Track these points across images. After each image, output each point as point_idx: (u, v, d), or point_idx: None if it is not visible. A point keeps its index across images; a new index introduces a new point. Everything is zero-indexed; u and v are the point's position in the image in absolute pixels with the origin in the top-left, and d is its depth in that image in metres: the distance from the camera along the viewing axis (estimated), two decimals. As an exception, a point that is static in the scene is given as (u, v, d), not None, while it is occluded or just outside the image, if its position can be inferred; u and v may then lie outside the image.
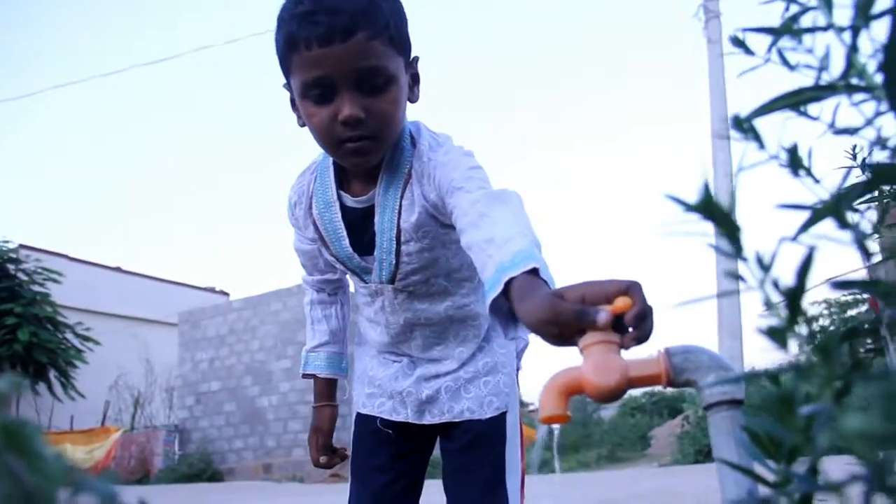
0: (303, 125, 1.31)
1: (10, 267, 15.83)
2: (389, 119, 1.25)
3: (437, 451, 1.57)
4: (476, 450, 1.46)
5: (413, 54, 1.33)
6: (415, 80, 1.35)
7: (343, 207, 1.41)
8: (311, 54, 1.18)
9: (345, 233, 1.41)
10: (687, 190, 0.43)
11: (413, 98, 1.34)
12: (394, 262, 1.38)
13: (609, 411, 15.60)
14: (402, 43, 1.26)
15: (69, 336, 16.14)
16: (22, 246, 16.63)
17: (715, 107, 9.93)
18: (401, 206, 1.35)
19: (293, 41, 1.19)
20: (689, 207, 0.38)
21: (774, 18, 0.55)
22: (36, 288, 15.79)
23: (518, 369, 1.58)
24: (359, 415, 1.58)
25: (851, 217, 0.38)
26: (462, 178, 1.24)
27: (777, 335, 0.37)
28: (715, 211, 0.36)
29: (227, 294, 21.86)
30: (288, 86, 1.31)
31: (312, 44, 1.17)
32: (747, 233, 0.37)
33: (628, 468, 11.20)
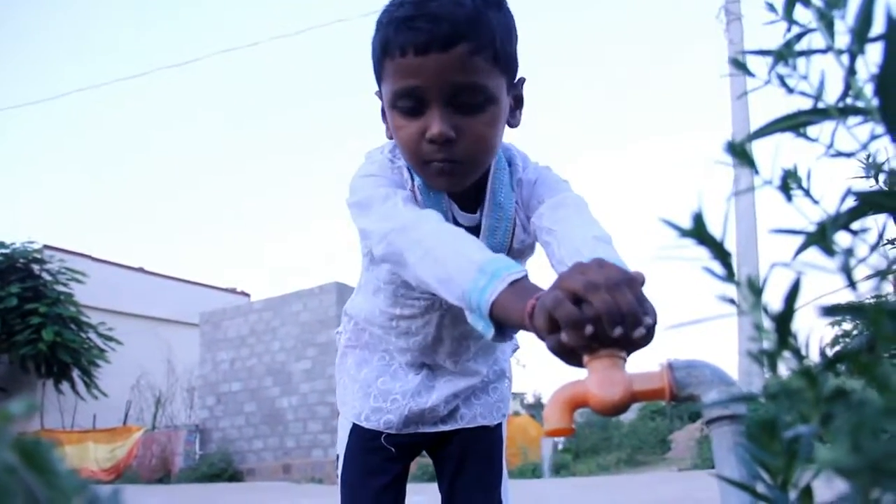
0: (390, 137, 1.23)
1: (35, 267, 16.05)
2: (482, 142, 1.15)
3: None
4: (481, 455, 1.49)
5: (519, 75, 1.23)
6: (518, 102, 1.25)
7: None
8: (404, 62, 1.09)
9: None
10: (704, 204, 0.44)
11: (514, 122, 1.24)
12: None
13: (629, 415, 15.54)
14: (507, 61, 1.15)
15: (92, 336, 16.33)
16: (46, 246, 16.84)
17: (737, 111, 9.86)
18: (514, 230, 1.29)
19: (388, 46, 1.11)
20: (683, 233, 0.39)
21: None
22: (60, 288, 16.00)
23: None
24: (358, 428, 1.49)
25: (843, 241, 0.39)
26: (542, 194, 1.25)
27: (768, 358, 0.38)
28: (706, 237, 0.37)
29: (247, 295, 22.00)
30: (379, 93, 1.22)
31: (408, 51, 1.09)
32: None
33: (648, 472, 11.15)
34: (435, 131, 1.10)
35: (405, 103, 1.13)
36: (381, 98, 1.22)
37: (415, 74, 1.09)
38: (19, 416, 0.28)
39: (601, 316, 0.72)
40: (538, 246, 1.28)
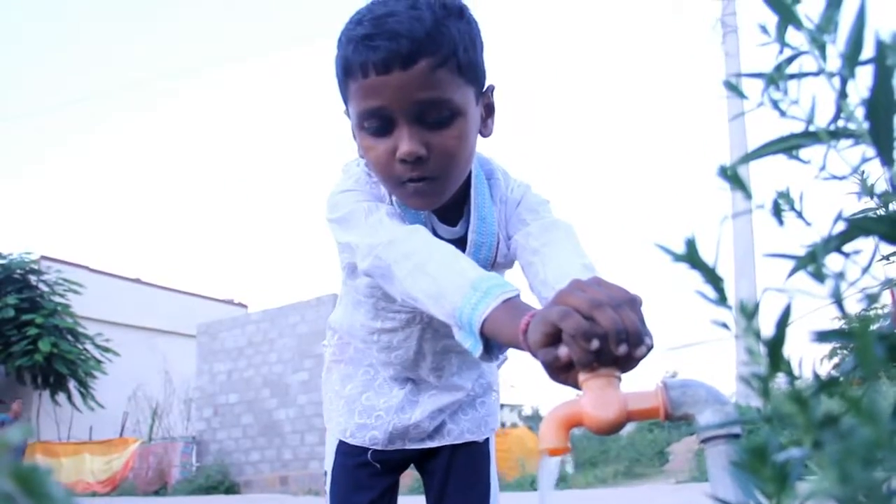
0: (363, 156, 1.19)
1: (32, 278, 16.05)
2: (454, 157, 1.11)
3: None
4: (468, 470, 1.48)
5: (488, 83, 1.19)
6: (489, 111, 1.21)
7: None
8: (367, 82, 1.06)
9: None
10: (697, 229, 0.44)
11: (486, 132, 1.21)
12: None
13: (627, 427, 15.49)
14: (472, 71, 1.12)
15: (89, 347, 16.33)
16: (43, 257, 16.86)
17: (734, 126, 9.89)
18: (498, 242, 1.27)
19: (349, 67, 1.08)
20: (676, 257, 0.39)
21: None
22: (57, 299, 16.01)
23: None
24: (344, 444, 1.48)
25: (835, 265, 0.39)
26: (526, 213, 1.24)
27: (760, 382, 0.38)
28: (699, 262, 0.38)
29: (245, 306, 22.00)
30: (347, 112, 1.18)
31: (370, 71, 1.05)
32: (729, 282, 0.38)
33: (646, 484, 11.12)
34: (405, 150, 1.07)
35: (372, 123, 1.10)
36: (349, 117, 1.19)
37: (379, 94, 1.07)
38: (17, 443, 0.28)
39: (607, 333, 0.71)
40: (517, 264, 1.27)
